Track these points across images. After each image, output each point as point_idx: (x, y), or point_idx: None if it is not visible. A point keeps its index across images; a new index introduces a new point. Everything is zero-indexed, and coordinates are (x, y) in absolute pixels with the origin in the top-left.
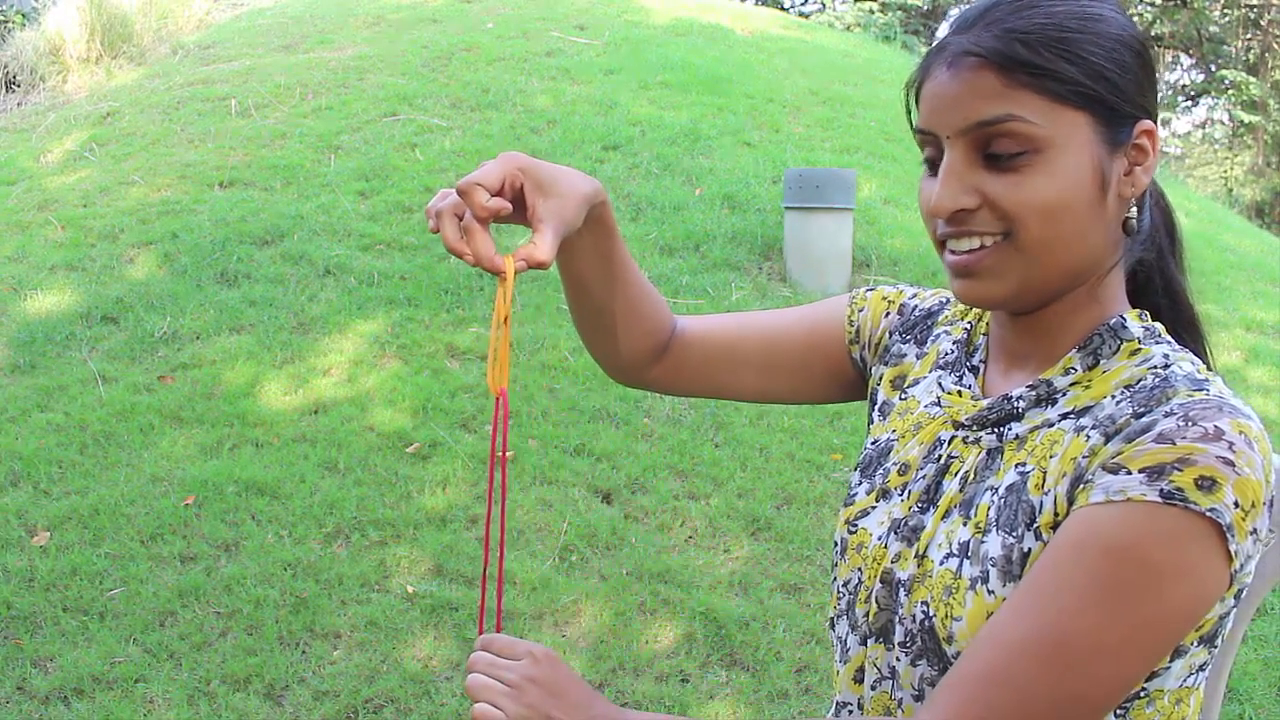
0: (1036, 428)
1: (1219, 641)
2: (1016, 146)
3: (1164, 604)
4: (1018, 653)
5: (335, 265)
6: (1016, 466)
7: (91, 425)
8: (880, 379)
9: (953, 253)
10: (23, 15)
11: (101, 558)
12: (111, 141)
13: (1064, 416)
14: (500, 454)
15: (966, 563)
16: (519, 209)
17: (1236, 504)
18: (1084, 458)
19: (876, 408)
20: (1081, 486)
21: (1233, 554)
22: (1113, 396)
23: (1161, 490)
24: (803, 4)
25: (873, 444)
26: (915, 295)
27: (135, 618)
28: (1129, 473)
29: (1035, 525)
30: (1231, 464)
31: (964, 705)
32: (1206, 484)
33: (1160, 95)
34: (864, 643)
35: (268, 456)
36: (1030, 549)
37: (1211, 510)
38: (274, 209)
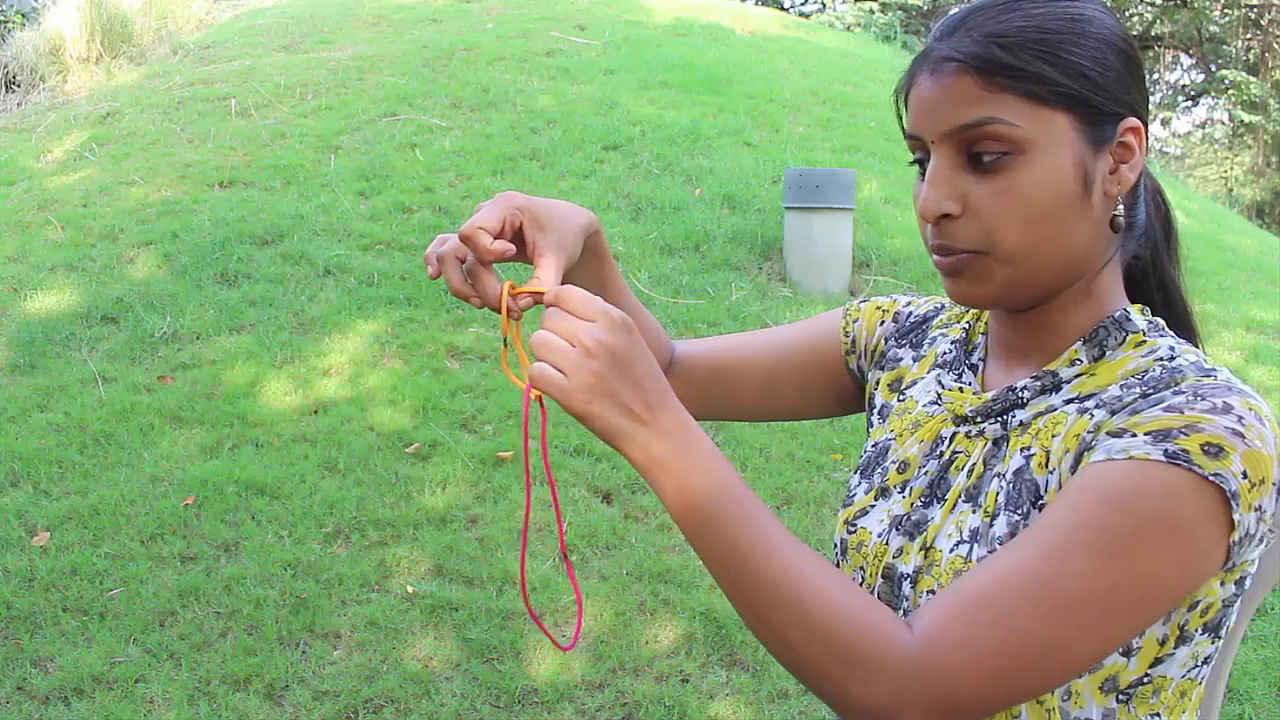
0: (1040, 413)
1: (1223, 632)
2: (999, 148)
3: (1156, 559)
4: (1005, 583)
5: (335, 265)
6: (1021, 450)
7: (91, 425)
8: (878, 384)
9: (941, 254)
10: (23, 15)
11: (101, 558)
12: (111, 141)
13: (1068, 401)
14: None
15: (976, 546)
16: (519, 246)
17: (1245, 474)
18: (1088, 433)
19: (875, 411)
20: (1085, 454)
21: (1235, 523)
22: (1118, 385)
23: (1166, 450)
24: (803, 4)
25: (872, 446)
26: (910, 303)
27: (135, 618)
28: (1133, 435)
29: (1041, 503)
30: (1241, 435)
31: (949, 621)
32: (1213, 450)
33: (1160, 95)
34: None
35: (268, 456)
36: None
37: (1216, 475)
38: (274, 209)
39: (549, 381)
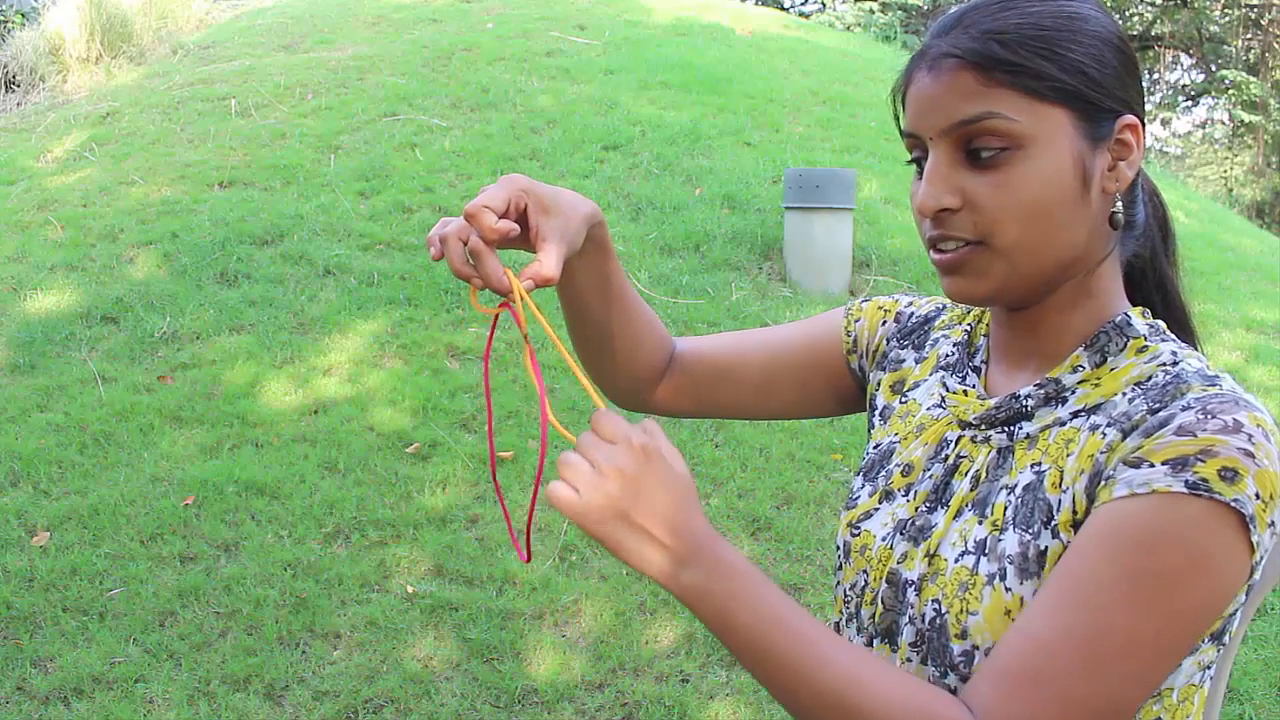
0: (1048, 426)
1: (1226, 639)
2: (998, 143)
3: (1193, 595)
4: (1054, 651)
5: (335, 265)
6: (1032, 466)
7: (91, 425)
8: (879, 385)
9: (939, 252)
10: (22, 15)
11: (101, 558)
12: (111, 141)
13: (1075, 415)
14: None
15: (983, 559)
16: (522, 230)
17: (1258, 495)
18: (1101, 454)
19: (877, 413)
20: (1103, 483)
21: (1254, 544)
22: (1124, 394)
23: (1186, 481)
24: (803, 4)
25: (874, 448)
26: (911, 303)
27: (135, 618)
28: (1152, 465)
29: (1053, 524)
30: (1252, 455)
31: (1007, 700)
32: (1229, 475)
33: (1160, 95)
34: (870, 644)
35: (268, 456)
36: (1047, 547)
37: (1235, 500)
38: (274, 209)
39: (561, 499)
